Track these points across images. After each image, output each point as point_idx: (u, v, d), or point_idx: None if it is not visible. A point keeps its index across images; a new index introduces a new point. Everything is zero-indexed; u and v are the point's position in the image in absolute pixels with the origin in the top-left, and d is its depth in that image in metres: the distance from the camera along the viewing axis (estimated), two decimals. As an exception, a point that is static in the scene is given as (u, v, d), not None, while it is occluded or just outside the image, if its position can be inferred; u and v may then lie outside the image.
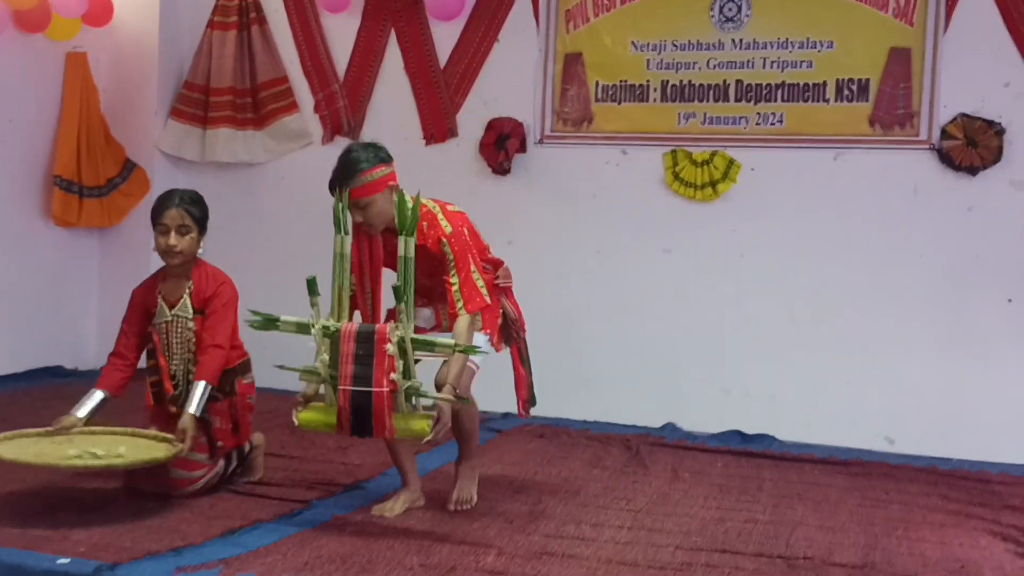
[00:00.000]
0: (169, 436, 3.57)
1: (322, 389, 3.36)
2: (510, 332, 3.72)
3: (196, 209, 3.72)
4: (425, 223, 3.48)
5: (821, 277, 5.39)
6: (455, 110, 6.00)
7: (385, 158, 3.43)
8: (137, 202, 6.35)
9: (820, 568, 3.18)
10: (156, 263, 6.12)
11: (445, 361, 3.44)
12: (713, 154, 5.54)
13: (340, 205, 3.31)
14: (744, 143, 5.49)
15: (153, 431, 3.66)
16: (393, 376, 3.13)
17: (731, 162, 5.51)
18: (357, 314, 3.51)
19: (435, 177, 5.95)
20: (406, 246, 3.26)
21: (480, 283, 3.47)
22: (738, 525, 3.64)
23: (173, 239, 3.69)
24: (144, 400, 3.86)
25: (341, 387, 3.13)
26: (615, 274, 5.69)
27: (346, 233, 3.31)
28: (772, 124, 5.45)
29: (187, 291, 3.78)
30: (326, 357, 3.18)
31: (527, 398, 3.81)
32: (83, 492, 3.67)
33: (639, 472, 4.38)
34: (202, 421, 3.58)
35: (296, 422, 3.22)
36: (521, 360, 3.77)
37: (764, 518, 3.77)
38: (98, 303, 6.52)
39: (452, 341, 3.24)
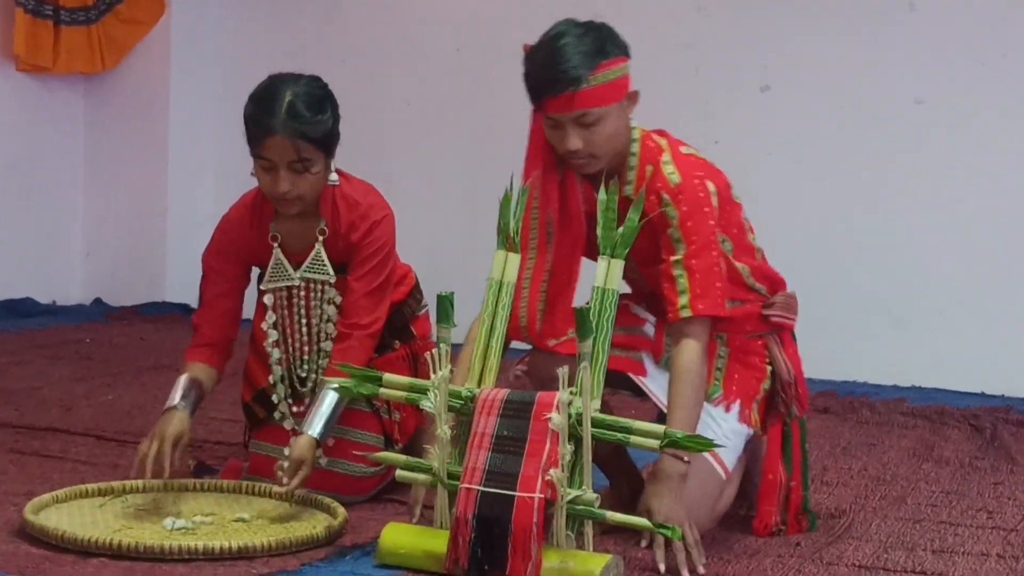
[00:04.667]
0: (318, 495, 2.73)
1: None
2: (776, 403, 2.67)
3: (317, 126, 2.71)
4: (649, 167, 2.54)
5: None
6: None
7: (623, 48, 2.53)
8: (145, 32, 5.31)
9: None
10: (182, 134, 5.40)
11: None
12: None
13: (510, 197, 2.54)
14: None
15: (283, 482, 2.76)
16: (552, 474, 2.35)
17: None
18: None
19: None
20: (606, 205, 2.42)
21: (722, 272, 2.47)
22: None
23: (283, 183, 2.71)
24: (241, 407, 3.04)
25: (464, 485, 2.40)
26: (942, 139, 4.27)
27: (514, 250, 2.55)
28: None
29: (320, 237, 2.83)
30: (447, 432, 2.47)
31: (784, 511, 2.66)
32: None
33: (1002, 467, 3.44)
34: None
35: (376, 552, 2.49)
36: (783, 452, 2.67)
37: None
38: (84, 198, 5.46)
39: (660, 430, 2.34)
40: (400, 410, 2.88)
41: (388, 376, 2.56)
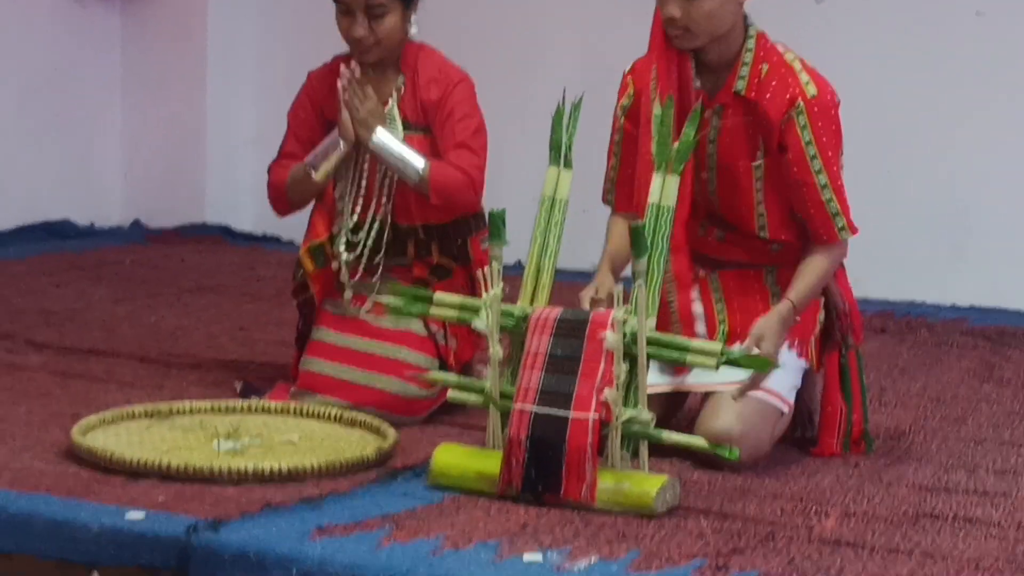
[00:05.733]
0: (365, 417, 2.71)
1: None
2: (832, 334, 2.66)
3: None
4: (764, 65, 2.48)
5: None
6: None
7: None
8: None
9: None
10: (221, 52, 5.31)
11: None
12: None
13: (563, 111, 2.45)
14: None
15: (325, 400, 2.80)
16: (607, 394, 2.29)
17: None
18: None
19: None
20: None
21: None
22: None
23: (359, 27, 2.78)
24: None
25: (516, 406, 2.33)
26: (1004, 52, 4.15)
27: (567, 166, 2.47)
28: None
29: (395, 93, 2.84)
30: (499, 351, 2.40)
31: (846, 437, 2.67)
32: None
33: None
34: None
35: (428, 473, 2.44)
36: (842, 382, 2.67)
37: None
38: (121, 119, 5.33)
39: (717, 348, 2.30)
40: (456, 337, 2.86)
41: (439, 295, 2.51)
